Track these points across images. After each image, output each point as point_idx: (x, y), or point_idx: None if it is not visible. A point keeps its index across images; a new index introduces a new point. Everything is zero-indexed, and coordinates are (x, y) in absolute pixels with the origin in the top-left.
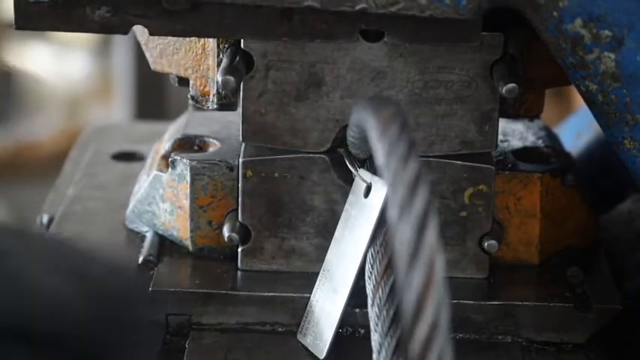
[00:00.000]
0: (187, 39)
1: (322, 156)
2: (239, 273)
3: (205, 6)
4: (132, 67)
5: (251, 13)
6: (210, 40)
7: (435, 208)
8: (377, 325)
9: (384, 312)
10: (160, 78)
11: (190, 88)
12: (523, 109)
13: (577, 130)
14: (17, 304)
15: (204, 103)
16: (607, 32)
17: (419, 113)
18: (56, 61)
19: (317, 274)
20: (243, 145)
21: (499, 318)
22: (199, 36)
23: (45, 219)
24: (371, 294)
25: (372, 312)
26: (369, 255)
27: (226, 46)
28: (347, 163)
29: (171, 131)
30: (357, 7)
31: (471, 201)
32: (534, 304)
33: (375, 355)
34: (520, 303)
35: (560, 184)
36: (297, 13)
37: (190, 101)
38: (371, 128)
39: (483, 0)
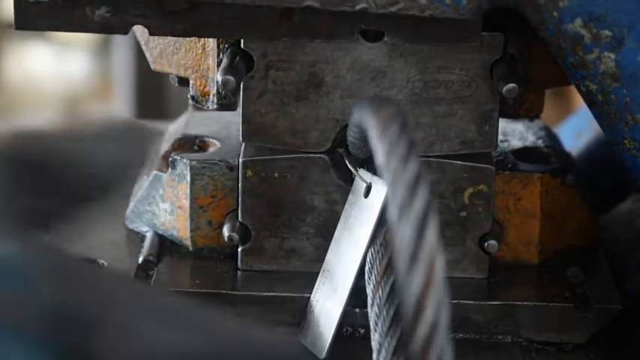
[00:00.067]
0: (187, 39)
1: (322, 156)
2: (239, 273)
3: (205, 6)
4: (132, 67)
5: (251, 13)
6: (210, 40)
7: (435, 208)
8: (377, 325)
9: (384, 312)
10: (160, 78)
11: (190, 88)
12: (523, 109)
13: (577, 130)
14: None
15: (204, 103)
16: (607, 32)
17: (419, 113)
18: (56, 61)
19: (317, 274)
20: (243, 145)
21: (499, 318)
22: (199, 36)
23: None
24: (371, 294)
25: (372, 312)
26: (369, 255)
27: (226, 46)
28: (347, 163)
29: (171, 131)
30: (357, 7)
31: (471, 201)
32: (534, 304)
33: (375, 355)
34: (520, 303)
35: (560, 184)
36: (297, 13)
37: (190, 101)
38: (371, 128)
39: (483, 0)
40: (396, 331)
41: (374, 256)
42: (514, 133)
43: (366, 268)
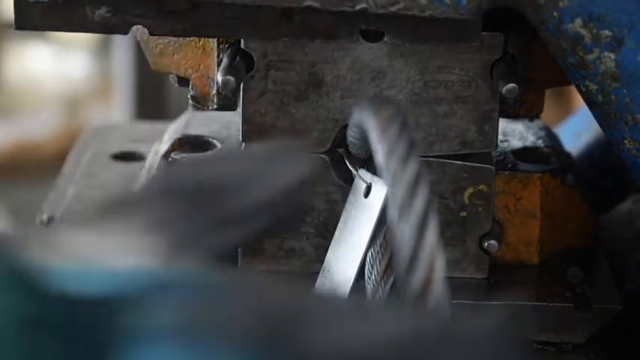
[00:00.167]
0: (187, 39)
1: (322, 156)
2: None
3: (205, 6)
4: (132, 67)
5: (251, 13)
6: (210, 40)
7: (435, 208)
8: None
9: None
10: (160, 78)
11: (190, 88)
12: (523, 109)
13: (577, 130)
14: None
15: (204, 103)
16: (607, 32)
17: (419, 113)
18: (56, 61)
19: (317, 274)
20: (243, 145)
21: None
22: (199, 36)
23: (45, 219)
24: (371, 294)
25: None
26: (369, 255)
27: (226, 46)
28: (347, 163)
29: (171, 131)
30: (357, 7)
31: (470, 201)
32: (534, 304)
33: None
34: (520, 303)
35: (560, 184)
36: (297, 13)
37: (190, 101)
38: (371, 128)
39: (483, 0)
40: None
41: (374, 256)
42: (514, 133)
43: (366, 268)
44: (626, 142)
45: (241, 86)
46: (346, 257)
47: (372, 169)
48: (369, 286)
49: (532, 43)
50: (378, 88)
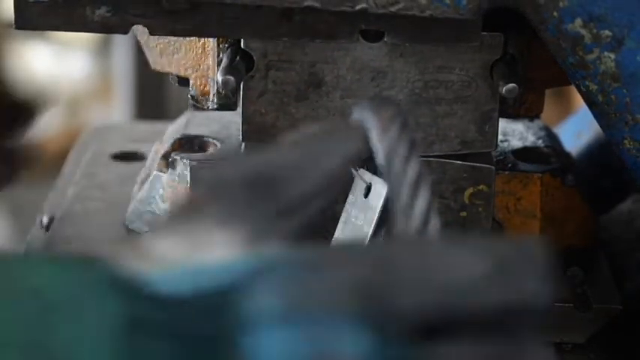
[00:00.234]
0: (187, 39)
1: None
2: None
3: (205, 6)
4: (132, 67)
5: (251, 13)
6: (210, 40)
7: (436, 208)
8: None
9: None
10: (160, 78)
11: (190, 88)
12: (523, 109)
13: (577, 130)
14: None
15: (204, 103)
16: (607, 32)
17: (419, 113)
18: (56, 61)
19: None
20: (243, 145)
21: None
22: (199, 36)
23: (45, 219)
24: None
25: None
26: None
27: (226, 46)
28: None
29: (171, 131)
30: (357, 7)
31: (470, 201)
32: None
33: None
34: None
35: (560, 184)
36: (297, 13)
37: (190, 101)
38: (371, 128)
39: (483, 0)
40: None
41: None
42: (514, 133)
43: None
44: (626, 142)
45: (241, 86)
46: None
47: (372, 169)
48: None
49: (532, 43)
50: (378, 88)
